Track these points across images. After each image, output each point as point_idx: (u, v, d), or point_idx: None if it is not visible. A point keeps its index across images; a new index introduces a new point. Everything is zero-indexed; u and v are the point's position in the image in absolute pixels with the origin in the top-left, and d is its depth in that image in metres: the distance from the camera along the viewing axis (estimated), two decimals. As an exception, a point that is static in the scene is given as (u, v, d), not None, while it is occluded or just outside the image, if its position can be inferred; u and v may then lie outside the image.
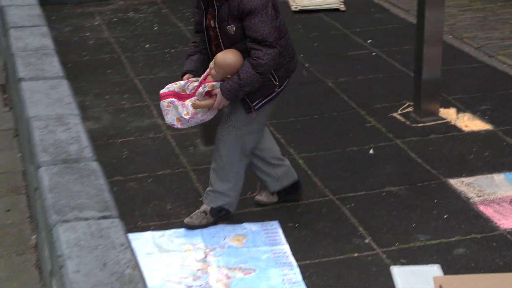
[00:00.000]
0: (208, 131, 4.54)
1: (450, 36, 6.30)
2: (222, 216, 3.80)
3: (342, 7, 7.06)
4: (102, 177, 2.95)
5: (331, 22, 6.72)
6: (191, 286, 3.36)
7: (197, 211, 3.81)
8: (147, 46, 6.35)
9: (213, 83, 3.47)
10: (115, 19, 7.01)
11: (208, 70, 3.50)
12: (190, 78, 3.55)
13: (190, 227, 3.75)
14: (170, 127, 3.75)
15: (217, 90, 3.45)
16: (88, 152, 3.12)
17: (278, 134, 4.72)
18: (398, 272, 3.39)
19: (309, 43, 6.25)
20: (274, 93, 3.58)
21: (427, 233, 3.71)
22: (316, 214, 3.87)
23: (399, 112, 4.97)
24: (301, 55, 5.98)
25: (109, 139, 4.71)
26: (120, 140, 4.68)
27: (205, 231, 3.71)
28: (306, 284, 3.35)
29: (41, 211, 2.83)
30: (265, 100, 3.57)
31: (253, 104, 3.54)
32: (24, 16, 4.60)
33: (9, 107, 5.23)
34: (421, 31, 4.68)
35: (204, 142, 4.58)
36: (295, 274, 3.42)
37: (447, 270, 3.40)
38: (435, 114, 4.87)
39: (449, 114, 4.92)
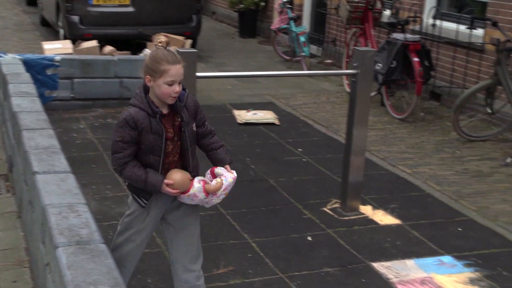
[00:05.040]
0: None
1: (362, 148, 6.40)
2: None
3: (277, 121, 7.15)
4: (110, 257, 2.84)
5: (268, 133, 6.78)
6: None
7: None
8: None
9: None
10: (96, 124, 6.90)
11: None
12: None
13: None
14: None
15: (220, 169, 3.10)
16: (97, 235, 3.01)
17: (234, 222, 4.65)
18: None
19: (253, 149, 6.26)
20: None
21: (359, 306, 3.67)
22: (270, 289, 3.80)
23: (328, 207, 4.98)
24: (247, 158, 5.99)
25: (97, 221, 4.52)
26: (106, 224, 4.52)
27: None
28: None
29: (59, 285, 2.68)
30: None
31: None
32: (33, 120, 4.48)
33: (11, 193, 5.01)
34: (349, 144, 4.74)
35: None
36: None
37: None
38: (356, 210, 4.90)
39: (367, 210, 4.95)
